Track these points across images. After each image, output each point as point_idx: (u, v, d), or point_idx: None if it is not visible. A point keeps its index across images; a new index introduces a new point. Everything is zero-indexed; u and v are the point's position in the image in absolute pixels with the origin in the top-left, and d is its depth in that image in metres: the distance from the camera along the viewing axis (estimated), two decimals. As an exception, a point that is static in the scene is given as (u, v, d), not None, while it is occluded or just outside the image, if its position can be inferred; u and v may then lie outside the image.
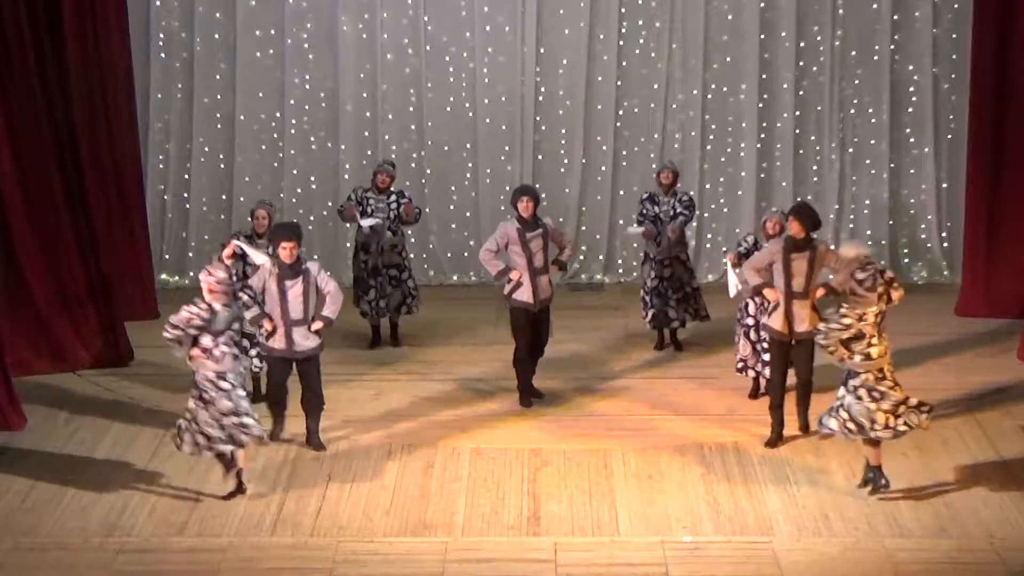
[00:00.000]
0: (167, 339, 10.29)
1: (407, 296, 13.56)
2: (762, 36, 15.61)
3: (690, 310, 13.37)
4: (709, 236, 16.03)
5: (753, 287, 11.42)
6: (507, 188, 15.77)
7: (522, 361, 12.16)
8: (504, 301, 12.13)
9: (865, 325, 10.15)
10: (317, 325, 11.08)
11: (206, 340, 10.22)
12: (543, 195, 15.74)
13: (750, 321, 12.05)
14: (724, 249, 12.13)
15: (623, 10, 15.57)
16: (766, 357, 11.98)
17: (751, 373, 12.17)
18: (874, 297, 10.18)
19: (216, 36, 15.56)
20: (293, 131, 15.76)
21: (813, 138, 15.88)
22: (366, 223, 13.23)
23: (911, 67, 15.70)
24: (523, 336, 12.10)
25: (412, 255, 14.20)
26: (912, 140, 15.87)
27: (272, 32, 15.57)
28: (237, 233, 12.34)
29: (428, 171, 15.85)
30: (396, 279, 13.49)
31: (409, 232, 13.85)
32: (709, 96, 15.79)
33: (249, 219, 12.33)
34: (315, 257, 15.65)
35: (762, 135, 15.84)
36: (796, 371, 11.39)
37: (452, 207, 15.99)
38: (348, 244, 15.31)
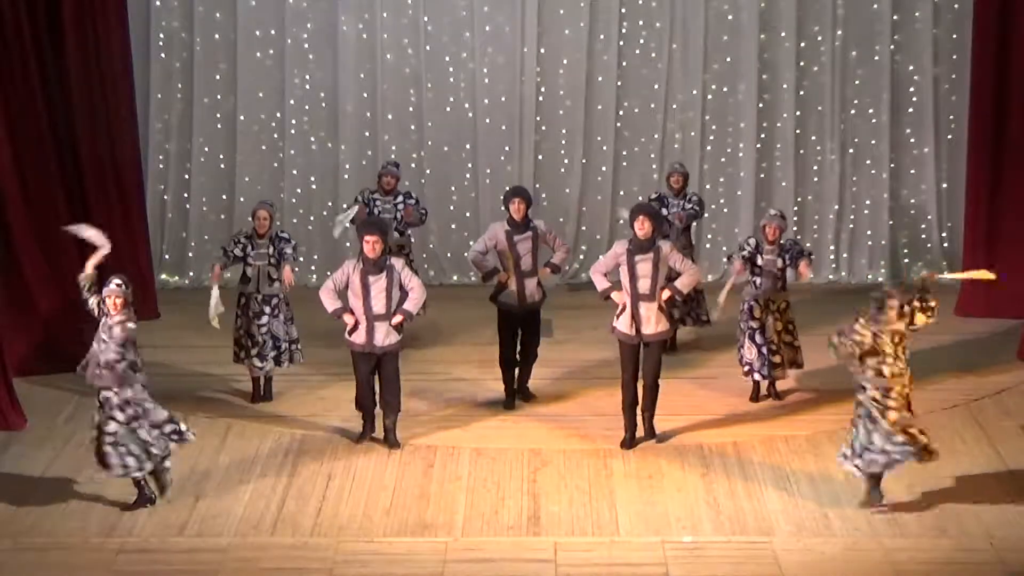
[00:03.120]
0: (122, 370, 10.10)
1: None
2: (762, 36, 15.62)
3: (692, 313, 13.37)
4: (709, 236, 16.04)
5: (600, 291, 11.32)
6: (507, 188, 15.76)
7: (507, 362, 12.16)
8: (492, 302, 12.16)
9: (882, 343, 10.00)
10: (397, 319, 11.10)
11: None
12: (543, 195, 15.83)
13: (754, 324, 12.05)
14: (728, 256, 12.11)
15: (623, 10, 15.58)
16: (776, 360, 11.97)
17: (756, 376, 12.16)
18: (893, 316, 10.01)
19: (216, 36, 15.56)
20: (293, 131, 15.76)
21: (813, 138, 15.89)
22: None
23: (911, 67, 15.71)
24: (507, 337, 12.11)
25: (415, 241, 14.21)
26: (912, 140, 15.88)
27: (272, 32, 15.57)
28: (238, 234, 12.36)
29: (428, 171, 15.85)
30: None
31: (410, 232, 13.84)
32: (709, 96, 15.80)
33: (250, 219, 12.33)
34: (315, 257, 15.70)
35: (762, 135, 15.85)
36: (642, 374, 11.29)
37: (452, 207, 15.99)
38: (348, 244, 15.31)
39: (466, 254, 15.43)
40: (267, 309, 12.13)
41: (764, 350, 11.99)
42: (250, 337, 12.14)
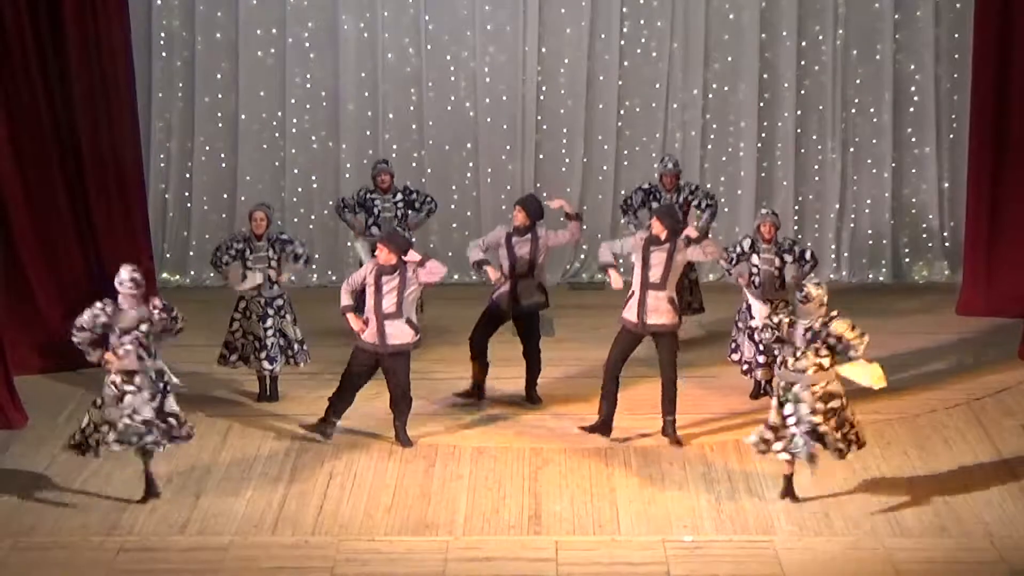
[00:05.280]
0: (76, 343, 10.28)
1: None
2: (763, 35, 15.62)
3: (685, 301, 13.34)
4: (709, 236, 15.99)
5: (601, 263, 11.47)
6: (508, 187, 15.82)
7: (475, 345, 12.18)
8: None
9: (794, 334, 10.12)
10: (415, 256, 11.12)
11: (112, 339, 10.22)
12: (544, 194, 15.81)
13: (753, 323, 12.05)
14: (727, 257, 12.14)
15: (624, 9, 15.59)
16: (761, 359, 11.99)
17: (755, 374, 12.17)
18: (812, 309, 10.09)
19: (217, 35, 15.56)
20: (294, 130, 15.77)
21: (814, 137, 15.89)
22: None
23: (912, 66, 15.71)
24: (482, 323, 12.17)
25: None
26: (913, 139, 15.88)
27: (273, 31, 15.58)
28: (235, 234, 12.36)
29: (429, 170, 15.85)
30: None
31: (411, 232, 13.82)
32: (710, 95, 15.81)
33: (248, 220, 12.33)
34: (316, 256, 15.68)
35: (763, 134, 15.86)
36: (661, 370, 11.43)
37: (453, 206, 15.99)
38: (348, 243, 15.32)
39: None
40: (271, 311, 12.13)
41: (760, 347, 12.00)
42: (256, 339, 12.13)
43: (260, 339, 12.12)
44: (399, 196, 13.60)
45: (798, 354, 10.11)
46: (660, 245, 11.19)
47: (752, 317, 12.01)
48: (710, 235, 13.29)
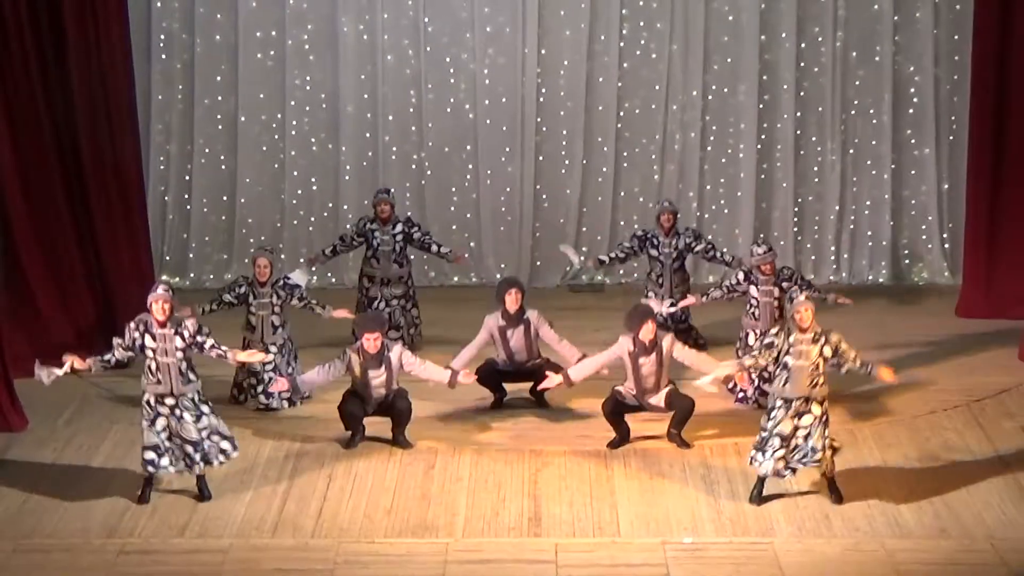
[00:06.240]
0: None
1: (412, 325, 13.59)
2: (763, 37, 15.62)
3: (692, 336, 13.34)
4: (709, 238, 15.99)
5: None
6: (508, 189, 15.83)
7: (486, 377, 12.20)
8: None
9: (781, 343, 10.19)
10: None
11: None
12: (544, 196, 15.87)
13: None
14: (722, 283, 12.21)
15: (624, 11, 15.58)
16: (765, 388, 11.97)
17: (750, 404, 12.10)
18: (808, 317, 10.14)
19: (217, 37, 15.56)
20: (294, 132, 15.76)
21: (814, 139, 15.88)
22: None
23: (912, 68, 15.71)
24: (490, 383, 12.21)
25: (414, 257, 14.15)
26: (913, 141, 15.88)
27: (273, 33, 15.57)
28: (238, 279, 12.37)
29: (428, 172, 15.85)
30: (402, 307, 13.47)
31: (410, 261, 13.79)
32: (710, 97, 15.80)
33: (251, 266, 12.37)
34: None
35: (762, 136, 15.85)
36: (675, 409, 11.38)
37: (453, 208, 15.98)
38: (352, 256, 15.26)
39: (469, 253, 15.43)
40: (273, 350, 12.13)
41: (756, 378, 11.95)
42: (254, 375, 12.16)
43: (258, 375, 12.14)
44: (399, 228, 13.47)
45: (795, 360, 10.14)
46: (648, 355, 11.17)
47: (749, 346, 11.92)
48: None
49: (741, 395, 12.11)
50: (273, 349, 12.10)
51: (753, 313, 12.11)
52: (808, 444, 10.15)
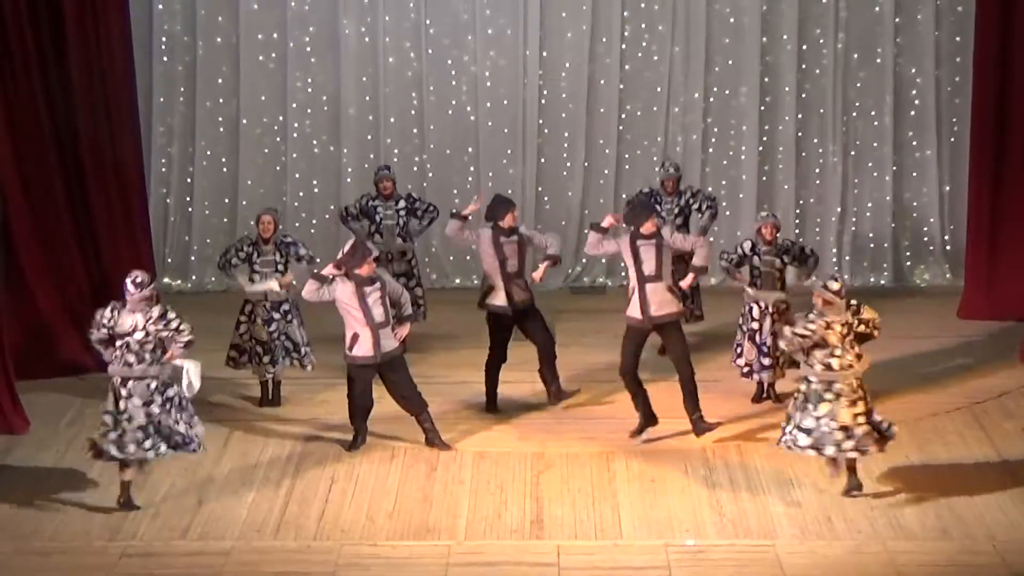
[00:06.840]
0: (93, 343, 10.41)
1: (415, 303, 13.58)
2: (764, 39, 15.63)
3: (688, 306, 13.32)
4: (711, 239, 15.97)
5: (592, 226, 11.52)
6: (509, 191, 15.74)
7: (493, 367, 12.15)
8: (480, 308, 12.12)
9: (830, 334, 10.16)
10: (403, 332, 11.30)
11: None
12: (545, 198, 15.91)
13: (755, 325, 12.06)
14: (724, 258, 12.17)
15: (625, 13, 15.60)
16: (766, 362, 11.99)
17: (756, 377, 12.17)
18: (842, 305, 10.18)
19: (218, 40, 15.58)
20: (295, 135, 15.77)
21: (815, 141, 15.90)
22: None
23: (913, 70, 15.72)
24: (498, 341, 12.10)
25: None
26: (915, 143, 15.89)
27: (274, 36, 15.59)
28: (243, 238, 12.39)
29: (430, 174, 15.86)
30: (405, 286, 13.48)
31: (413, 238, 13.83)
32: (711, 99, 15.81)
33: (253, 224, 12.35)
34: (318, 260, 15.64)
35: (764, 138, 15.86)
36: (675, 365, 11.40)
37: (454, 210, 15.94)
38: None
39: (471, 255, 15.44)
40: (276, 315, 12.14)
41: (763, 349, 11.99)
42: (261, 344, 12.14)
43: (264, 343, 12.13)
44: (401, 203, 13.59)
45: (838, 352, 10.14)
46: (647, 240, 11.21)
47: (753, 319, 12.00)
48: (709, 237, 13.23)
49: (747, 369, 12.13)
50: (276, 316, 12.10)
51: (755, 283, 12.10)
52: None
